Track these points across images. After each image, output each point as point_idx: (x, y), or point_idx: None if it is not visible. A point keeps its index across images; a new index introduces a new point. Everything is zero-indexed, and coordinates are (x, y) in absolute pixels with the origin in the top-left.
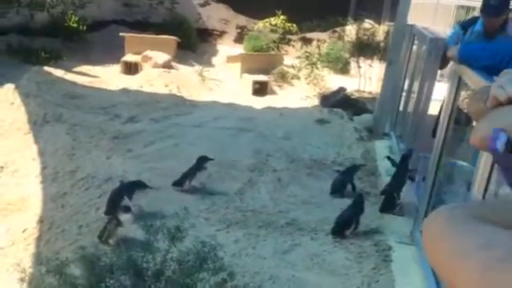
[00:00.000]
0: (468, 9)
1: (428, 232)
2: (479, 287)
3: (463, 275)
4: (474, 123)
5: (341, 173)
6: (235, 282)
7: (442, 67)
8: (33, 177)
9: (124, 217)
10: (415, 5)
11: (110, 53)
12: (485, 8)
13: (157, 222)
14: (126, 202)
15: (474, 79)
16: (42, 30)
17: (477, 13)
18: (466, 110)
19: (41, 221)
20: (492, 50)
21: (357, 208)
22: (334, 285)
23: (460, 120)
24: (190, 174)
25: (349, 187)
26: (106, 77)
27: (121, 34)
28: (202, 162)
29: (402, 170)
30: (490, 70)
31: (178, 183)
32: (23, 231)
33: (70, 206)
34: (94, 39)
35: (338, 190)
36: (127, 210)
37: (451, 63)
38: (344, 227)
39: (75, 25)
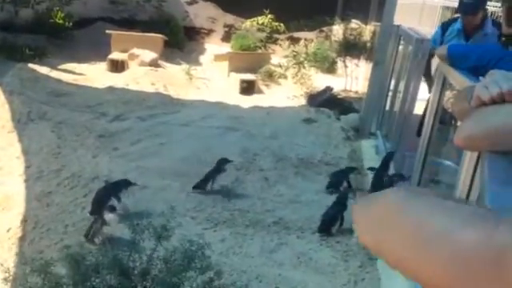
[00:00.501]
0: (453, 10)
1: (373, 212)
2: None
3: (426, 266)
4: (459, 123)
5: (336, 172)
6: (222, 280)
7: (426, 75)
8: (17, 175)
9: (109, 216)
10: (401, 5)
11: (96, 50)
12: (461, 6)
13: (143, 221)
14: (111, 201)
15: (458, 79)
16: (27, 26)
17: None
18: (450, 110)
19: (25, 220)
20: (480, 52)
21: (340, 205)
22: (320, 283)
23: (445, 120)
24: (211, 176)
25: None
26: (92, 74)
27: (107, 31)
28: (221, 164)
29: (382, 172)
30: (477, 71)
31: (200, 186)
32: (7, 230)
33: (55, 205)
34: (80, 36)
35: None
36: (112, 209)
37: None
38: (330, 225)
39: (61, 21)
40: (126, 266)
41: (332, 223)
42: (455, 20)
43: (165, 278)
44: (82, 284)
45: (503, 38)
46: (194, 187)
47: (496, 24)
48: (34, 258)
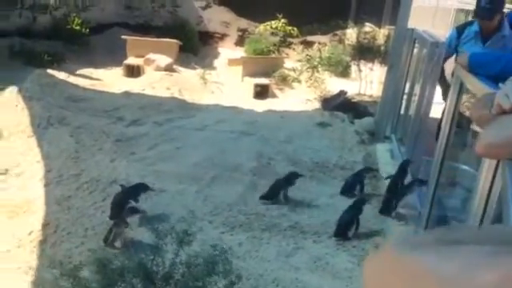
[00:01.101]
0: (467, 12)
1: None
2: None
3: None
4: (473, 126)
5: (353, 174)
6: (240, 285)
7: (439, 79)
8: (37, 180)
9: (132, 219)
10: (415, 8)
11: (113, 56)
12: (478, 11)
13: (164, 226)
14: (132, 204)
15: (476, 85)
16: (45, 32)
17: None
18: (467, 114)
19: (46, 223)
20: (504, 63)
21: (356, 209)
22: (337, 287)
23: (462, 124)
24: (281, 188)
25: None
26: (109, 80)
27: (123, 36)
28: (292, 177)
29: (399, 178)
30: (497, 79)
31: (268, 197)
32: (29, 233)
33: (75, 208)
34: (96, 42)
35: (347, 190)
36: (135, 211)
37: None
38: (346, 229)
39: (78, 27)
40: (150, 270)
41: (348, 227)
42: (471, 23)
43: (187, 282)
44: None
45: None
46: (262, 197)
47: None
48: (63, 261)
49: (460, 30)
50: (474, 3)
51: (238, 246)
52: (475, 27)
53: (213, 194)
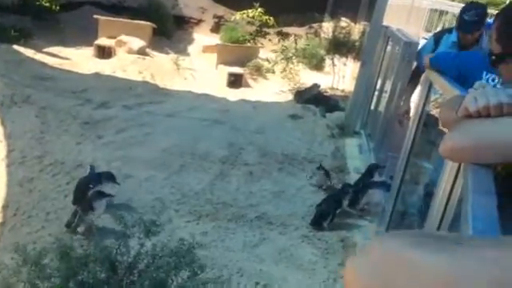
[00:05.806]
0: (441, 12)
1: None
2: None
3: None
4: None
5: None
6: (203, 274)
7: (412, 82)
8: None
9: (98, 203)
10: (389, 6)
11: (83, 35)
12: (462, 25)
13: (132, 215)
14: (97, 188)
15: (444, 87)
16: (12, 7)
17: (449, 17)
18: (432, 113)
19: (6, 205)
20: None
21: (335, 201)
22: (300, 279)
23: (428, 123)
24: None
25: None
26: (78, 59)
27: (95, 16)
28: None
29: (364, 179)
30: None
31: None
32: None
33: (37, 191)
34: (67, 20)
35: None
36: (101, 196)
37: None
38: (322, 219)
39: (48, 4)
40: (114, 260)
41: (325, 218)
42: (449, 31)
43: (152, 274)
44: (73, 277)
45: (493, 57)
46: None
47: None
48: (22, 246)
49: (437, 37)
50: (448, 3)
51: (203, 235)
52: (453, 37)
53: (181, 181)
